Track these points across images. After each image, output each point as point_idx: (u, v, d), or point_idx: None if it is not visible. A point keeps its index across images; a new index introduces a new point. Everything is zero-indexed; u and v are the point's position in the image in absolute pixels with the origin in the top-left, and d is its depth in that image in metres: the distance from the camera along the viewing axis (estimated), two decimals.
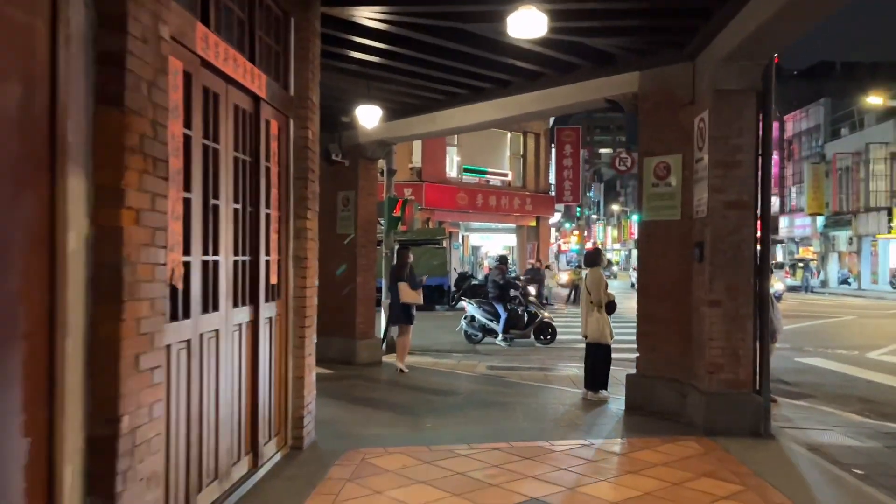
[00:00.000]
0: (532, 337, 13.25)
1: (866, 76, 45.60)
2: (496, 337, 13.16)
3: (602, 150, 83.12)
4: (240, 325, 4.43)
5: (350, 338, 10.31)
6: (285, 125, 5.26)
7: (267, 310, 4.86)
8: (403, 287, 9.44)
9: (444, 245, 23.03)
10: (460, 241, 28.88)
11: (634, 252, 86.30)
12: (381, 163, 12.55)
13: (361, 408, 7.29)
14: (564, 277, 30.77)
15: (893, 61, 43.09)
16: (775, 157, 47.62)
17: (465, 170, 26.18)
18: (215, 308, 4.02)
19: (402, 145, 24.31)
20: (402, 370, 9.49)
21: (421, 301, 9.44)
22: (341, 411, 7.09)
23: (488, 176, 27.12)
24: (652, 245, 7.04)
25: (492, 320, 13.17)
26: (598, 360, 7.71)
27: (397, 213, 12.14)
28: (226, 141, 4.15)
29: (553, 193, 29.52)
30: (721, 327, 6.19)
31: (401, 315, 9.57)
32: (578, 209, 42.76)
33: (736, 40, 5.71)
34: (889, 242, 35.91)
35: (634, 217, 78.00)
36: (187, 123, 3.58)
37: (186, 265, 3.58)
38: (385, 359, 10.46)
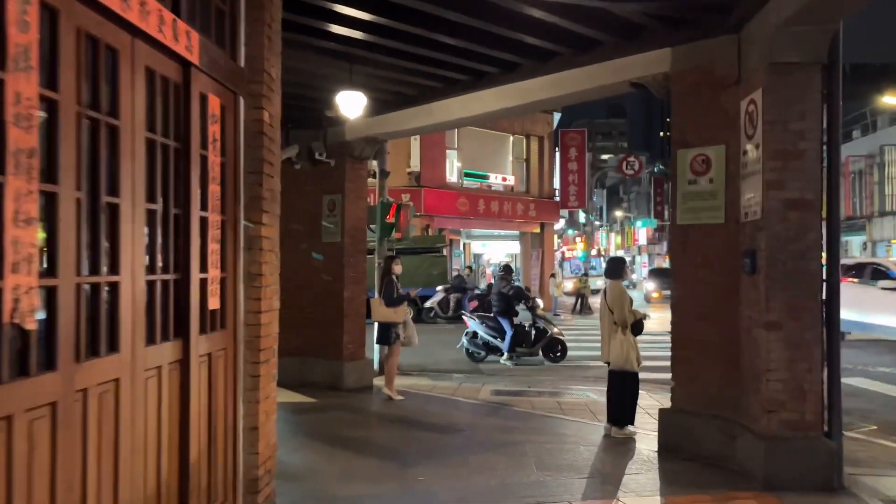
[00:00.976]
0: (541, 354, 12.07)
1: (876, 77, 44.45)
2: (501, 355, 11.98)
3: (604, 157, 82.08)
4: (159, 368, 3.26)
5: (336, 360, 9.14)
6: (232, 104, 4.10)
7: (203, 344, 3.68)
8: (375, 304, 8.27)
9: (445, 253, 21.88)
10: (461, 248, 27.71)
11: (639, 258, 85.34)
12: (374, 164, 11.41)
13: (341, 451, 6.09)
14: (569, 286, 29.59)
15: None
16: None
17: (466, 174, 25.04)
18: (112, 349, 2.86)
19: (398, 149, 23.24)
20: (391, 398, 8.31)
21: (399, 319, 8.22)
22: (316, 457, 5.91)
23: (490, 181, 25.97)
24: (689, 253, 5.87)
25: (496, 337, 11.99)
26: (623, 390, 6.53)
27: (391, 219, 10.97)
28: (131, 116, 3.00)
29: (558, 198, 28.36)
30: (781, 355, 5.01)
31: (380, 335, 8.40)
32: (584, 214, 41.70)
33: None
34: None
35: (639, 223, 76.90)
36: (50, 82, 2.43)
37: (50, 291, 2.42)
38: (377, 381, 9.28)
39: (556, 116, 28.20)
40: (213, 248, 3.81)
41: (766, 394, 5.02)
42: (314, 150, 9.18)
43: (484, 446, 6.20)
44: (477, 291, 22.86)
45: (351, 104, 7.05)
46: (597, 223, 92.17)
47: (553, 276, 25.37)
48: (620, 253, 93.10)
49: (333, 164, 9.27)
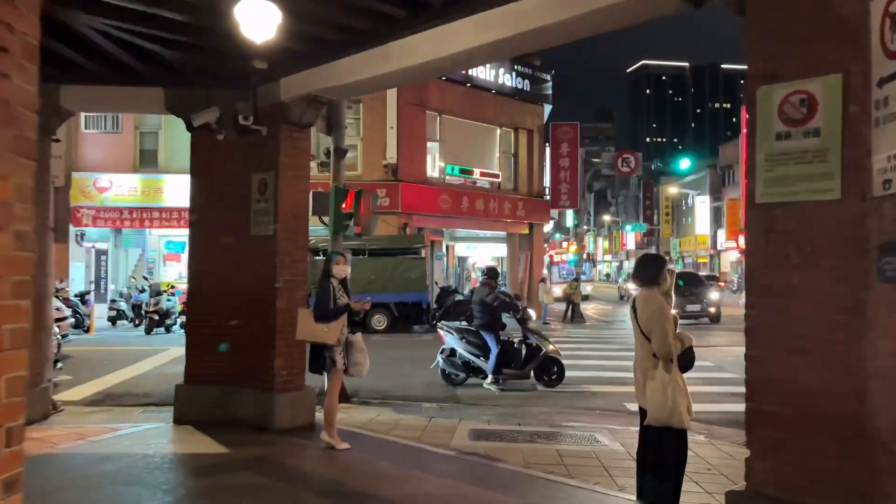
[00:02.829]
0: (532, 377, 9.89)
1: None
2: (483, 378, 9.79)
3: (595, 160, 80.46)
4: None
5: (266, 390, 6.92)
6: None
7: None
8: (302, 316, 6.06)
9: (424, 255, 19.68)
10: (444, 250, 25.53)
11: (626, 264, 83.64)
12: (326, 141, 9.22)
13: None
14: (558, 291, 27.47)
15: None
16: None
17: (449, 169, 22.86)
18: None
19: (373, 139, 20.95)
20: (332, 446, 6.09)
21: (331, 339, 5.95)
22: None
23: (475, 176, 23.81)
24: (775, 249, 3.71)
25: (478, 356, 9.80)
26: (664, 454, 4.35)
27: (348, 208, 8.78)
28: None
29: (548, 197, 26.26)
30: None
31: (310, 360, 6.18)
32: (573, 216, 39.76)
33: None
34: None
35: (627, 227, 75.18)
36: None
37: None
38: (320, 416, 7.04)
39: (547, 109, 26.13)
40: None
41: None
42: (239, 113, 6.97)
43: None
44: (459, 297, 20.68)
45: (257, 19, 4.80)
46: (585, 227, 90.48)
47: (543, 281, 23.27)
48: (609, 258, 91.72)
49: (265, 132, 7.07)
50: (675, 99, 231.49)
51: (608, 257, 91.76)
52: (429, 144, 22.41)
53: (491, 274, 10.13)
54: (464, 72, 22.82)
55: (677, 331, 4.40)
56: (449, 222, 22.96)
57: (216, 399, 7.10)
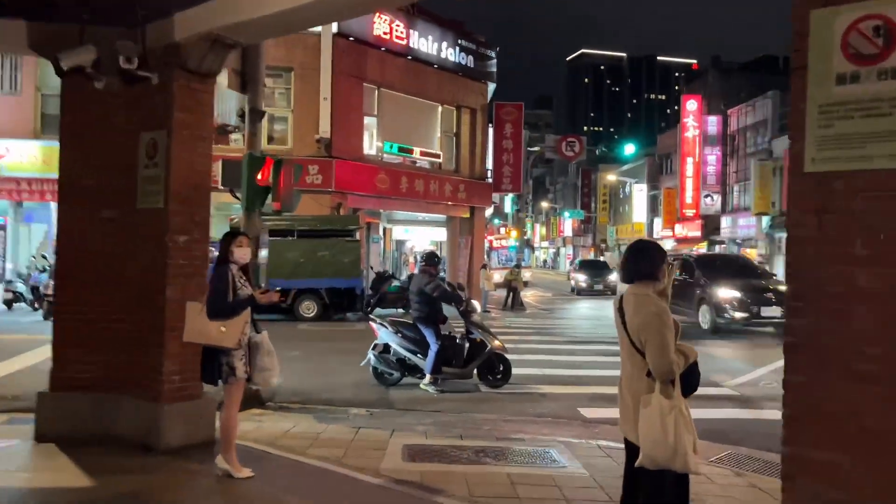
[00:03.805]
0: (475, 376, 8.82)
1: None
2: (421, 377, 8.65)
3: (531, 149, 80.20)
4: None
5: (152, 399, 5.59)
6: None
7: None
8: (191, 312, 4.74)
9: (358, 238, 18.36)
10: (380, 233, 24.24)
11: (563, 251, 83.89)
12: (239, 100, 7.86)
13: None
14: (499, 277, 26.57)
15: None
16: (717, 152, 45.13)
17: (387, 147, 21.51)
18: None
19: (304, 111, 19.24)
20: (230, 474, 4.84)
21: (230, 342, 4.64)
22: None
23: (415, 156, 22.54)
24: (835, 235, 2.66)
25: (415, 352, 8.64)
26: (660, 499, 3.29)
27: (264, 180, 7.45)
28: None
29: (490, 180, 25.24)
30: None
31: (203, 367, 4.87)
32: (512, 201, 38.96)
33: None
34: None
35: (566, 214, 75.24)
36: None
37: None
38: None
39: (491, 88, 25.04)
40: None
41: None
42: (121, 54, 5.56)
43: None
44: (396, 283, 19.49)
45: None
46: (524, 213, 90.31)
47: (484, 267, 22.29)
48: (546, 244, 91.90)
49: (156, 80, 5.68)
50: (613, 89, 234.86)
51: (545, 244, 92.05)
52: (366, 120, 21.00)
53: (431, 260, 8.96)
54: (405, 43, 21.49)
55: (678, 341, 3.33)
56: (386, 203, 21.66)
57: (89, 410, 5.73)
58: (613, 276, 31.44)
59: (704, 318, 15.66)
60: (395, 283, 19.69)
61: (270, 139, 19.08)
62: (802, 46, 2.76)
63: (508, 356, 8.96)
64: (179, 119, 5.67)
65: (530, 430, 6.83)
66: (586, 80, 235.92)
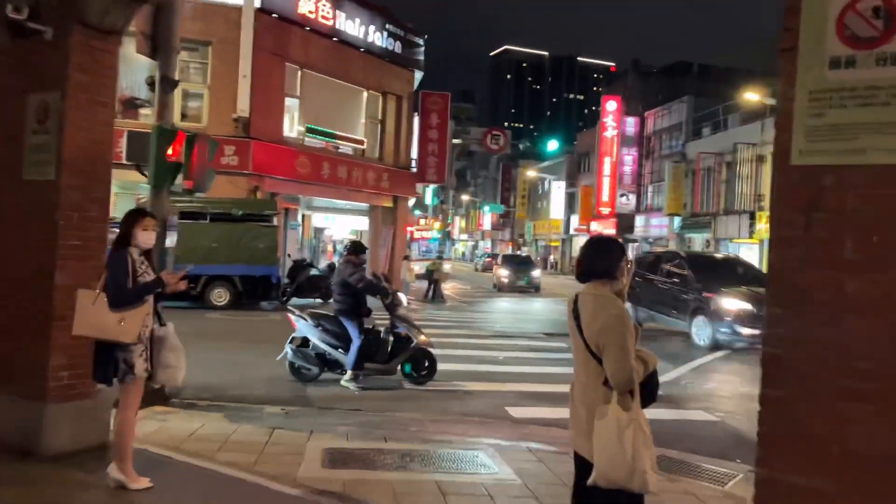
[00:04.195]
0: (399, 372, 8.42)
1: (720, 79, 45.49)
2: (342, 373, 8.18)
3: (454, 141, 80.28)
4: None
5: (33, 397, 4.89)
6: None
7: None
8: (83, 300, 4.12)
9: (276, 223, 17.58)
10: (299, 220, 23.40)
11: (481, 244, 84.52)
12: (149, 69, 7.14)
13: None
14: (419, 269, 26.20)
15: (746, 67, 43.00)
16: (634, 153, 46.34)
17: (309, 130, 20.72)
18: None
19: (220, 87, 18.06)
20: (124, 485, 4.25)
21: (128, 336, 4.02)
22: None
23: (338, 141, 21.83)
24: (824, 236, 2.39)
25: (337, 347, 8.16)
26: None
27: (175, 156, 6.78)
28: None
29: (415, 170, 24.82)
30: None
31: (96, 365, 4.24)
32: (435, 191, 38.67)
33: None
34: (740, 247, 35.01)
35: (486, 208, 75.71)
36: None
37: None
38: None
39: (418, 76, 24.59)
40: None
41: None
42: (10, 3, 4.81)
43: None
44: (314, 272, 18.83)
45: None
46: (443, 205, 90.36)
47: (406, 258, 21.89)
48: (465, 237, 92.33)
49: (50, 35, 4.96)
50: (534, 86, 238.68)
51: (464, 237, 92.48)
52: (287, 101, 20.14)
53: (355, 249, 8.47)
54: (331, 24, 20.74)
55: (637, 347, 3.04)
56: (306, 189, 20.87)
57: None
58: (537, 273, 30.65)
59: (700, 331, 13.06)
60: (314, 271, 19.03)
61: (184, 116, 17.99)
62: (793, 25, 2.49)
63: (433, 351, 8.61)
64: (76, 80, 4.98)
65: (458, 430, 6.51)
66: (508, 76, 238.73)
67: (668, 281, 14.69)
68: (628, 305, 12.55)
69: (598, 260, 3.12)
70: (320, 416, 6.77)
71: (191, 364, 8.83)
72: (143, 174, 7.02)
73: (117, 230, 4.32)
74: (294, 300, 17.35)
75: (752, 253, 34.49)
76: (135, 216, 4.35)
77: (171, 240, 7.40)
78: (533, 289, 29.39)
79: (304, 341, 8.30)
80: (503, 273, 30.20)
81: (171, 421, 6.17)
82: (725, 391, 9.14)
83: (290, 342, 8.31)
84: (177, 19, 6.88)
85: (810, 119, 2.45)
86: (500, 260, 35.17)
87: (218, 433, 5.82)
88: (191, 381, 7.58)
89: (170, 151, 6.73)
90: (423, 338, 8.36)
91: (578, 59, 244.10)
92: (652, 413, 7.45)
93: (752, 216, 31.31)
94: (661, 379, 10.25)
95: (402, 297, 8.61)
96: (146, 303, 4.15)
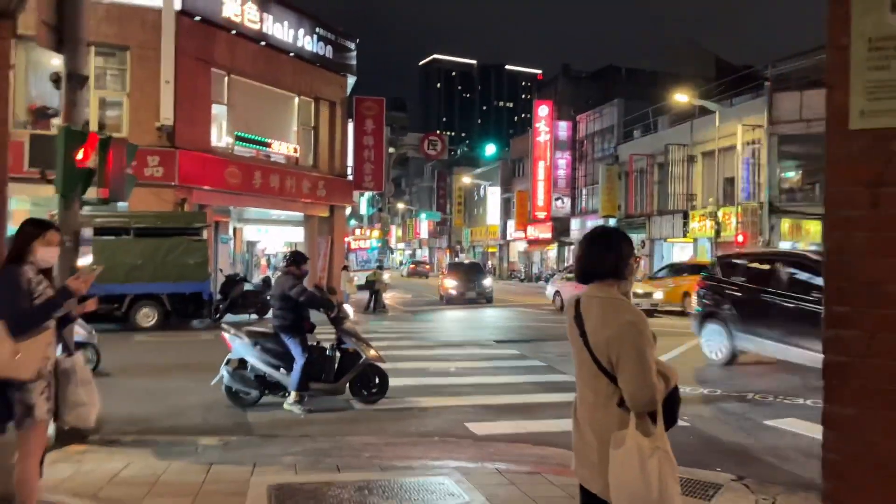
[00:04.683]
0: (348, 391, 7.77)
1: (648, 82, 46.47)
2: (285, 395, 7.47)
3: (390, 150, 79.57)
4: None
5: None
6: None
7: None
8: None
9: (206, 237, 16.58)
10: (230, 233, 22.34)
11: (419, 252, 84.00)
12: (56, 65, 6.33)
13: None
14: (359, 279, 25.44)
15: (671, 71, 44.05)
16: (567, 157, 46.77)
17: (239, 138, 19.76)
18: None
19: (143, 93, 16.86)
20: None
21: (24, 373, 3.27)
22: None
23: (270, 150, 20.92)
24: (895, 210, 1.97)
25: (278, 367, 7.45)
26: None
27: (86, 161, 5.98)
28: None
29: (351, 178, 24.09)
30: None
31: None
32: (370, 199, 37.97)
33: None
34: (673, 246, 35.68)
35: (422, 216, 75.23)
36: None
37: None
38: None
39: (351, 81, 23.91)
40: None
41: None
42: None
43: None
44: (248, 287, 17.90)
45: None
46: (384, 213, 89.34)
47: (345, 268, 21.14)
48: (402, 246, 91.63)
49: None
50: (464, 95, 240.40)
51: (401, 245, 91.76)
52: (214, 108, 19.16)
53: (296, 260, 7.79)
54: (258, 27, 19.87)
55: (657, 359, 2.55)
56: (237, 200, 19.89)
57: None
58: (488, 282, 27.44)
59: None
60: (248, 286, 18.08)
61: (102, 126, 16.79)
62: None
63: (383, 366, 7.99)
64: None
65: (418, 453, 5.93)
66: (438, 84, 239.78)
67: (801, 296, 9.58)
68: (715, 327, 10.84)
69: (603, 256, 2.62)
70: (264, 446, 6.07)
71: (115, 393, 8.00)
72: (46, 180, 6.19)
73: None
74: (228, 317, 16.40)
75: (685, 252, 35.30)
76: (35, 228, 3.62)
77: (86, 257, 6.58)
78: (485, 300, 26.29)
79: (242, 362, 7.55)
80: (450, 283, 26.44)
81: (89, 462, 5.38)
82: (687, 392, 8.85)
83: (226, 364, 7.55)
84: (83, 6, 6.09)
85: (871, 73, 2.01)
86: (445, 268, 30.80)
87: (145, 474, 5.07)
88: (113, 414, 6.81)
89: (80, 156, 5.93)
90: (372, 352, 7.74)
91: (506, 67, 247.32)
92: None
93: (686, 216, 31.88)
94: None
95: (350, 309, 7.97)
96: (47, 330, 3.43)
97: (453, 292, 25.89)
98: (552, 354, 11.90)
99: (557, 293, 23.62)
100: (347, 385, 7.67)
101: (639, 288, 19.94)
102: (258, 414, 7.33)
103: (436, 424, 7.01)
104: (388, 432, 6.69)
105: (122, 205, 16.95)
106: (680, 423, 7.29)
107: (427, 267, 63.35)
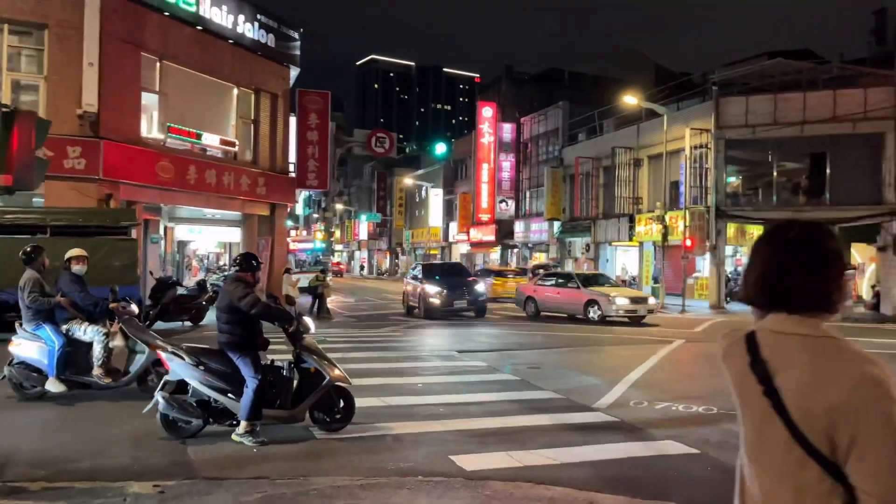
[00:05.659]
0: (308, 418, 6.65)
1: (591, 86, 46.50)
2: (233, 424, 6.29)
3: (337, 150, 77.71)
4: None
5: None
6: None
7: None
8: None
9: (135, 237, 15.03)
10: (161, 232, 20.65)
11: (357, 254, 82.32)
12: None
13: None
14: (305, 282, 23.99)
15: (613, 76, 44.19)
16: (511, 159, 46.31)
17: (172, 130, 18.18)
18: None
19: (63, 77, 15.01)
20: None
21: None
22: None
23: (205, 143, 19.38)
24: None
25: (226, 391, 6.26)
26: None
27: None
28: None
29: (294, 175, 22.70)
30: None
31: None
32: (306, 199, 36.51)
33: None
34: (617, 249, 35.65)
35: (362, 217, 73.64)
36: None
37: None
38: None
39: (294, 72, 22.55)
40: None
41: None
42: None
43: None
44: (181, 291, 16.42)
45: None
46: (315, 215, 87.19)
47: (287, 271, 19.79)
48: (340, 247, 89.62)
49: None
50: (402, 96, 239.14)
51: (340, 247, 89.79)
52: (145, 97, 17.52)
53: (248, 264, 6.60)
54: (194, 9, 18.36)
55: None
56: (170, 197, 18.28)
57: None
58: (481, 288, 21.25)
59: None
60: (181, 290, 16.57)
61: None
62: None
63: (349, 388, 6.89)
64: None
65: (401, 499, 4.91)
66: (376, 85, 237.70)
67: None
68: None
69: (808, 274, 1.66)
70: (210, 493, 4.94)
71: (17, 422, 6.66)
72: None
73: None
74: (158, 324, 14.89)
75: (630, 256, 35.25)
76: None
77: None
78: (474, 311, 20.44)
79: (181, 385, 6.34)
80: (431, 291, 20.09)
81: None
82: (680, 410, 8.09)
83: (162, 388, 6.31)
84: None
85: None
86: (419, 272, 22.18)
87: None
88: (17, 452, 5.55)
89: None
90: (336, 372, 6.63)
91: (444, 70, 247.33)
92: (621, 448, 6.08)
93: (632, 219, 31.73)
94: (603, 400, 8.96)
95: (309, 321, 6.83)
96: None
97: (436, 302, 19.74)
98: (522, 367, 11.02)
99: (530, 300, 20.96)
100: (308, 411, 6.55)
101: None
102: (201, 448, 6.11)
103: (416, 458, 5.97)
104: (361, 470, 5.61)
105: (37, 200, 15.27)
106: (689, 450, 6.55)
107: (342, 267, 68.08)
